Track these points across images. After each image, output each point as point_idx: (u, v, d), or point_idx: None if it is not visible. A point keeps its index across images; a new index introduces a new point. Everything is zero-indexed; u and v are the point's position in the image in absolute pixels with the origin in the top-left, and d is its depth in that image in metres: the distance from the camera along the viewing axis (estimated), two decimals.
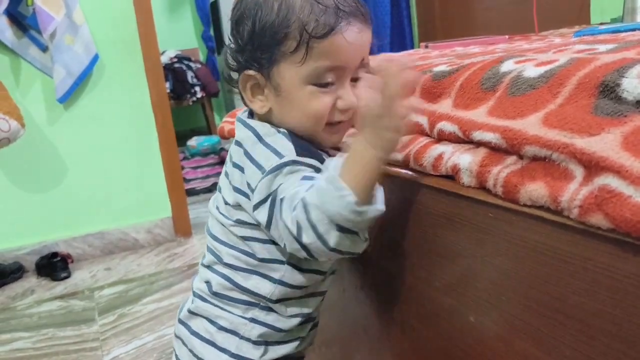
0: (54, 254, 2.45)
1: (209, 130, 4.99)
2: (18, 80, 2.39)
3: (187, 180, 3.60)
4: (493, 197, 0.56)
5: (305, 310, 0.81)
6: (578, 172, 0.47)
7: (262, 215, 0.70)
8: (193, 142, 4.25)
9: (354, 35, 0.71)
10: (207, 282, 0.81)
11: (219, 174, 3.84)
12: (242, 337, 0.78)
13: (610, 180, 0.43)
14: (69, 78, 2.37)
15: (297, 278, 0.76)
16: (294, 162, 0.69)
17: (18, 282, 2.40)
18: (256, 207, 0.70)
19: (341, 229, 0.62)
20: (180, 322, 0.85)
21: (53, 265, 2.39)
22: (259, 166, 0.71)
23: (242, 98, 0.79)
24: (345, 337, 1.02)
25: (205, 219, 2.98)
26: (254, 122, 0.77)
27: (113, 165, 2.59)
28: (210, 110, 5.05)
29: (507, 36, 1.56)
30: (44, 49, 2.39)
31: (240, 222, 0.76)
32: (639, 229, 0.39)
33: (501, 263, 0.57)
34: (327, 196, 0.62)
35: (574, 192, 0.46)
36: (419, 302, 0.75)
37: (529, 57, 0.65)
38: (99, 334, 1.87)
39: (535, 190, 0.50)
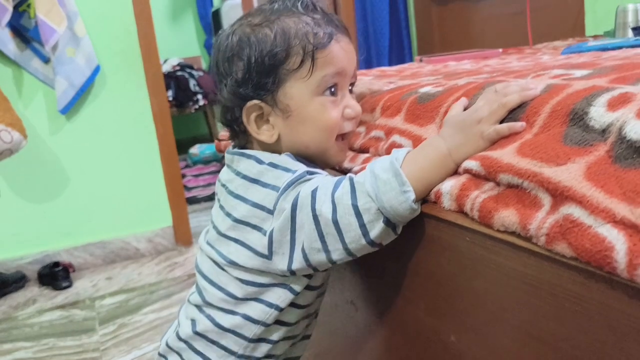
0: (56, 264, 2.47)
1: (211, 137, 5.02)
2: (20, 91, 2.41)
3: (188, 189, 3.63)
4: (470, 222, 0.58)
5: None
6: (546, 200, 0.48)
7: (275, 222, 0.69)
8: (195, 149, 4.28)
9: (347, 45, 0.76)
10: (193, 321, 0.81)
11: None
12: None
13: (573, 210, 0.44)
14: (70, 89, 2.40)
15: (283, 315, 0.76)
16: (308, 173, 0.70)
17: (20, 291, 2.42)
18: (275, 218, 0.70)
19: (388, 222, 0.63)
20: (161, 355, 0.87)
21: (55, 275, 2.41)
22: (273, 187, 0.71)
23: (235, 134, 0.80)
24: (336, 352, 1.04)
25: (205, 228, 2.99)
26: (253, 151, 0.76)
27: (114, 175, 2.61)
28: (213, 118, 5.07)
29: (500, 50, 1.58)
30: (46, 60, 2.42)
31: (233, 264, 0.75)
32: (598, 259, 0.41)
33: (478, 286, 0.58)
34: (385, 187, 0.62)
35: (542, 220, 0.47)
36: (405, 321, 0.76)
37: None
38: (99, 344, 1.89)
39: (507, 216, 0.52)
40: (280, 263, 0.70)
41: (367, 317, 0.88)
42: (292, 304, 0.76)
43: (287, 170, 0.71)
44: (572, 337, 0.47)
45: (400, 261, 0.72)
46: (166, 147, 2.68)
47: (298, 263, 0.69)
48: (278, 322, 0.77)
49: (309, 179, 0.69)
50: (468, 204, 0.58)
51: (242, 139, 0.79)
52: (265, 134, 0.76)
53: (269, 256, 0.71)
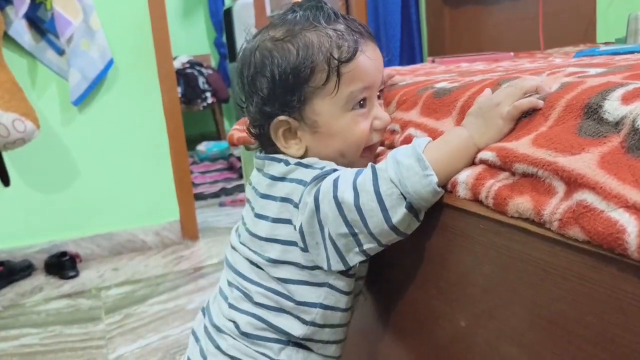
0: (63, 253, 2.50)
1: (218, 135, 5.05)
2: (35, 82, 2.45)
3: (195, 185, 3.65)
4: (484, 209, 0.60)
5: (338, 351, 0.81)
6: (560, 188, 0.50)
7: (301, 217, 0.70)
8: (202, 147, 4.31)
9: (373, 52, 0.75)
10: (234, 322, 0.78)
11: (227, 179, 3.90)
12: None
13: (586, 196, 0.46)
14: (84, 81, 2.43)
15: (328, 318, 0.76)
16: (335, 170, 0.71)
17: (27, 279, 2.45)
18: (300, 212, 0.70)
19: (410, 207, 0.63)
20: (196, 336, 0.84)
21: (62, 264, 2.45)
22: (299, 181, 0.72)
23: (264, 146, 0.80)
24: (346, 342, 1.05)
25: (212, 224, 3.03)
26: (282, 155, 0.76)
27: (124, 168, 2.64)
28: (220, 116, 5.11)
29: (512, 53, 1.60)
30: (60, 52, 2.45)
31: (273, 261, 0.75)
32: (609, 241, 0.43)
33: (489, 271, 0.60)
34: (408, 172, 0.63)
35: (555, 206, 0.49)
36: (415, 307, 0.78)
37: None
38: (105, 332, 1.91)
39: (522, 203, 0.54)
40: (318, 258, 0.71)
41: (377, 306, 0.90)
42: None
43: (314, 168, 0.72)
44: (583, 319, 0.49)
45: (413, 249, 0.74)
46: (176, 143, 2.71)
47: (332, 255, 0.70)
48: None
49: (332, 173, 0.70)
50: (483, 192, 0.59)
51: (271, 149, 0.79)
52: (293, 147, 0.76)
53: (305, 249, 0.72)
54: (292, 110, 0.74)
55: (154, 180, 2.71)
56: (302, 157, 0.75)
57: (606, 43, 1.75)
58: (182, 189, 2.76)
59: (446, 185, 0.65)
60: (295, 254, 0.73)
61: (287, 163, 0.74)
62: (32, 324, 2.02)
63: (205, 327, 0.83)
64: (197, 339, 0.84)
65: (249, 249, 0.78)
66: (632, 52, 1.08)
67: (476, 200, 0.61)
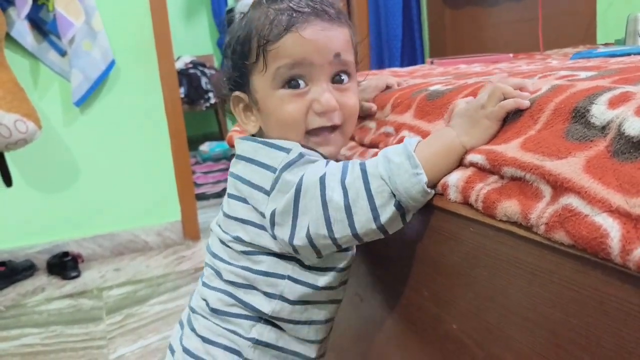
0: (65, 254, 2.51)
1: (221, 135, 5.05)
2: (37, 83, 2.46)
3: (198, 185, 3.65)
4: (474, 213, 0.60)
5: (312, 334, 0.79)
6: (547, 192, 0.51)
7: (274, 204, 0.69)
8: (205, 147, 4.31)
9: (314, 33, 0.71)
10: (205, 300, 0.79)
11: None
12: (245, 359, 0.76)
13: (572, 200, 0.47)
14: (85, 82, 2.44)
15: (298, 293, 0.75)
16: (303, 155, 0.70)
17: (29, 279, 2.46)
18: (272, 200, 0.70)
19: (399, 206, 0.63)
20: (172, 348, 0.83)
21: (63, 265, 2.45)
22: (266, 166, 0.71)
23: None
24: (342, 343, 1.06)
25: None
26: (250, 136, 0.79)
27: (125, 168, 2.65)
28: (223, 116, 5.11)
29: (511, 54, 1.60)
30: (62, 53, 2.46)
31: (239, 240, 0.75)
32: (593, 245, 0.43)
33: (479, 274, 0.60)
34: (399, 170, 0.63)
35: (542, 210, 0.50)
36: (409, 310, 0.79)
37: None
38: (106, 332, 1.92)
39: (510, 207, 0.54)
40: (282, 235, 0.70)
41: (372, 307, 0.90)
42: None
43: (280, 148, 0.72)
44: (568, 321, 0.49)
45: (406, 251, 0.75)
46: (177, 143, 2.72)
47: (300, 242, 0.68)
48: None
49: (310, 162, 0.70)
50: (473, 196, 0.60)
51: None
52: (250, 123, 0.79)
53: (273, 236, 0.71)
54: (242, 87, 0.77)
55: (155, 180, 2.72)
56: (259, 135, 0.78)
57: (606, 44, 1.75)
58: (183, 189, 2.77)
59: (436, 187, 0.66)
60: (265, 239, 0.73)
61: (253, 140, 0.76)
62: (34, 324, 2.03)
63: (187, 312, 0.85)
64: (181, 325, 0.85)
65: (221, 229, 0.79)
66: (628, 54, 1.08)
67: (466, 203, 0.62)
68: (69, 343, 1.87)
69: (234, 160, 0.79)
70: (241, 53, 0.75)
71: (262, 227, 0.73)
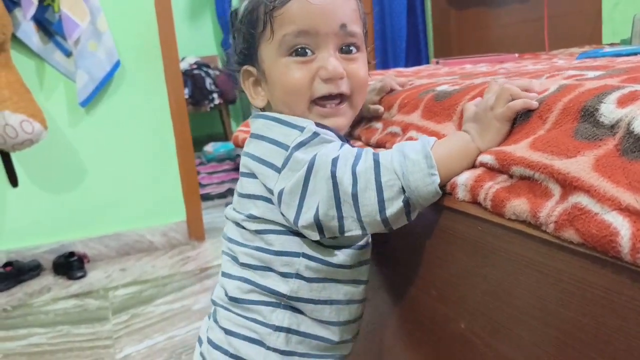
0: (71, 254, 2.52)
1: (225, 136, 5.05)
2: (42, 83, 2.47)
3: (202, 185, 3.66)
4: (482, 212, 0.60)
5: (333, 316, 0.76)
6: (556, 190, 0.51)
7: (284, 182, 0.69)
8: (209, 147, 4.32)
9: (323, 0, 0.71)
10: (224, 289, 0.79)
11: (234, 179, 3.91)
12: (268, 348, 0.74)
13: (581, 199, 0.47)
14: (91, 83, 2.45)
15: (314, 270, 0.73)
16: (317, 134, 0.69)
17: (36, 279, 2.47)
18: (282, 177, 0.69)
19: (406, 202, 0.63)
20: (200, 340, 0.83)
21: (70, 265, 2.46)
22: (279, 144, 0.71)
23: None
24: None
25: (219, 224, 3.04)
26: (264, 113, 0.78)
27: (131, 169, 2.66)
28: (227, 117, 5.12)
29: (517, 54, 1.60)
30: (68, 54, 2.47)
31: (252, 217, 0.74)
32: (603, 244, 0.44)
33: (488, 273, 0.61)
34: (414, 167, 0.62)
35: (551, 208, 0.50)
36: (416, 309, 0.79)
37: None
38: (112, 332, 1.92)
39: (519, 205, 0.54)
40: (288, 214, 0.70)
41: (379, 307, 0.91)
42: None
43: (294, 126, 0.71)
44: (577, 320, 0.49)
45: (414, 250, 0.75)
46: (182, 143, 2.72)
47: (306, 222, 0.68)
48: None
49: (324, 141, 0.69)
50: (482, 194, 0.60)
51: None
52: (259, 97, 0.80)
53: (277, 208, 0.71)
54: (251, 59, 0.77)
55: (160, 180, 2.72)
56: (267, 108, 0.79)
57: (611, 44, 1.75)
58: (188, 189, 2.78)
59: (445, 187, 0.66)
60: (275, 213, 0.72)
61: (265, 117, 0.76)
62: (40, 324, 2.04)
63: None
64: (208, 317, 0.85)
65: (235, 210, 0.78)
66: (634, 54, 1.08)
67: (475, 202, 0.62)
68: (75, 343, 1.88)
69: (247, 139, 0.78)
70: (249, 22, 0.75)
71: (271, 201, 0.72)
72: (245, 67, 0.79)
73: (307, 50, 0.73)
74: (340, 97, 0.75)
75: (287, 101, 0.74)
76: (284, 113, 0.75)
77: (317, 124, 0.72)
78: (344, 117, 0.77)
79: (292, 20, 0.71)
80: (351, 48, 0.75)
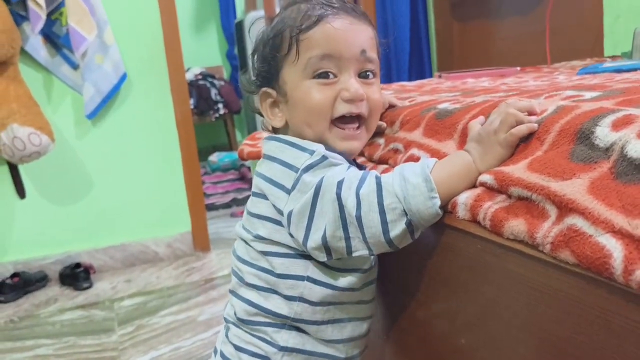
0: (77, 265, 2.53)
1: (230, 146, 5.08)
2: (50, 96, 2.49)
3: (207, 195, 3.68)
4: (481, 230, 0.62)
5: (337, 334, 0.78)
6: (552, 212, 0.52)
7: (293, 203, 0.71)
8: (214, 157, 4.35)
9: (344, 25, 0.76)
10: (233, 308, 0.81)
11: (238, 189, 3.92)
12: None
13: (576, 221, 0.48)
14: (97, 95, 2.47)
15: (316, 292, 0.75)
16: (326, 157, 0.72)
17: (42, 290, 2.49)
18: (292, 199, 0.71)
19: (409, 224, 0.65)
20: (215, 350, 0.86)
21: (76, 276, 2.48)
22: (289, 166, 0.73)
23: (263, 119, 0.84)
24: None
25: (223, 235, 3.05)
26: (277, 135, 0.80)
27: (136, 180, 2.68)
28: (232, 127, 5.14)
29: (518, 68, 1.61)
30: (75, 67, 2.49)
31: (259, 238, 0.76)
32: (597, 265, 0.45)
33: (487, 291, 0.62)
34: (415, 191, 0.64)
35: (548, 229, 0.51)
36: (417, 324, 0.80)
37: None
38: (118, 343, 1.93)
39: (517, 226, 0.56)
40: (297, 235, 0.72)
41: (380, 322, 0.92)
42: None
43: (304, 149, 0.74)
44: (574, 339, 0.50)
45: (415, 267, 0.76)
46: (188, 154, 2.74)
47: (314, 243, 0.69)
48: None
49: (332, 165, 0.71)
50: (481, 214, 0.61)
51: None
52: (276, 118, 0.81)
53: (287, 229, 0.73)
54: (271, 81, 0.80)
55: (166, 191, 2.74)
56: (283, 131, 0.81)
57: (613, 57, 1.76)
58: (194, 200, 2.79)
59: (446, 206, 0.67)
60: (283, 235, 0.75)
61: (278, 140, 0.78)
62: (47, 335, 2.05)
63: None
64: (223, 329, 0.87)
65: (244, 228, 0.81)
66: (635, 69, 1.09)
67: (474, 221, 0.63)
68: (82, 354, 1.89)
69: (260, 160, 0.81)
70: (273, 46, 0.78)
71: (279, 223, 0.75)
72: (264, 89, 0.81)
73: (329, 74, 0.76)
74: (359, 121, 0.79)
75: (309, 121, 0.77)
76: (303, 133, 0.77)
77: (327, 148, 0.74)
78: (359, 142, 0.80)
79: (317, 44, 0.75)
80: (368, 73, 0.79)
